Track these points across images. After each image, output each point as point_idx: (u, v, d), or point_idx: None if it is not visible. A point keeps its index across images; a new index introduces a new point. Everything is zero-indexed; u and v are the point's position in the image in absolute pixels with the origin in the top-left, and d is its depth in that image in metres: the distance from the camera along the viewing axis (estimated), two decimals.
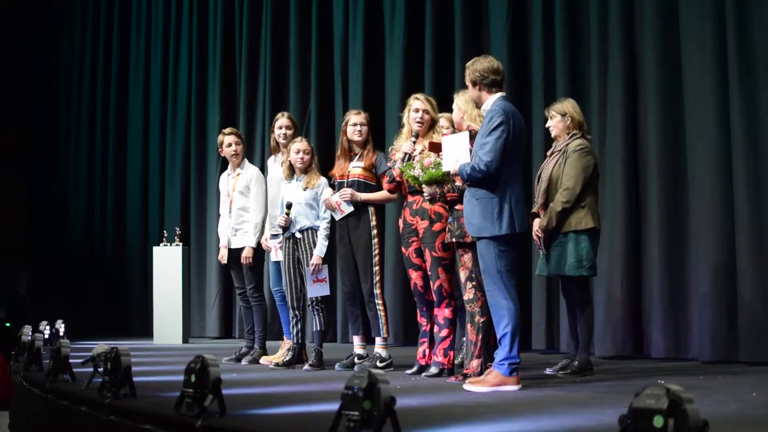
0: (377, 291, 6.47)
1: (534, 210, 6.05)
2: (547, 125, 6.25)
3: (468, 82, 5.22)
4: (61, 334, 8.32)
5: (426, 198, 5.66)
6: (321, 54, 10.40)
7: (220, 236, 7.56)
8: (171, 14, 12.60)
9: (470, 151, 5.08)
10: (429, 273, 5.94)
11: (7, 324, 12.43)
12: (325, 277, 6.58)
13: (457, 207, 5.49)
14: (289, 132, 7.16)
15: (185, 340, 10.11)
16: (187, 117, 12.14)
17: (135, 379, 4.49)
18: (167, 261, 10.19)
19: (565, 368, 5.91)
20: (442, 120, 6.08)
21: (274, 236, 7.08)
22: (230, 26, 11.71)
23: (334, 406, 3.09)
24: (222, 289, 11.18)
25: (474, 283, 5.41)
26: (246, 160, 7.53)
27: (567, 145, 5.99)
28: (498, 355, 4.98)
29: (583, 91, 7.82)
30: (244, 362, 7.17)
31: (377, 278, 6.48)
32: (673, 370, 6.33)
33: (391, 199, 6.56)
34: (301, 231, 6.68)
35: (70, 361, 5.43)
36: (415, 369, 6.00)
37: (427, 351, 5.99)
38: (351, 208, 6.48)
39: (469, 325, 5.48)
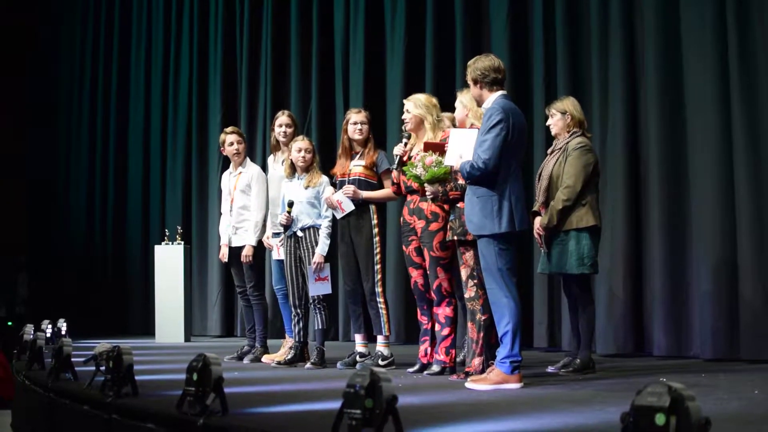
0: (379, 289, 6.47)
1: (535, 208, 6.05)
2: (547, 123, 6.25)
3: (469, 81, 5.22)
4: (63, 333, 8.34)
5: (428, 197, 5.64)
6: (322, 53, 10.41)
7: (221, 235, 7.57)
8: (172, 13, 12.61)
9: None
10: (428, 272, 5.94)
11: (9, 323, 12.46)
12: (327, 276, 6.58)
13: (458, 205, 5.49)
14: (290, 130, 7.16)
15: (187, 339, 10.12)
16: (188, 115, 12.15)
17: (137, 377, 4.50)
18: (169, 259, 10.20)
19: (566, 366, 5.91)
20: (446, 120, 6.07)
21: (276, 234, 7.09)
22: (231, 25, 11.71)
23: (335, 405, 3.09)
24: (224, 288, 11.19)
25: (475, 281, 5.41)
26: (248, 159, 7.54)
27: (567, 143, 5.99)
28: (499, 353, 4.98)
29: (584, 90, 7.82)
30: (245, 361, 7.18)
31: (379, 276, 6.48)
32: (674, 367, 6.32)
33: (392, 197, 6.56)
34: (302, 229, 6.68)
35: (72, 360, 5.44)
36: (416, 367, 6.00)
37: (429, 349, 5.99)
38: (352, 207, 6.47)
39: (470, 323, 5.48)
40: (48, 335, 7.82)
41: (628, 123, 7.48)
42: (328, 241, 6.64)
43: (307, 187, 6.70)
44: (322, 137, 9.99)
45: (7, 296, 14.09)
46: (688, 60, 7.08)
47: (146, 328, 11.29)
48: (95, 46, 14.06)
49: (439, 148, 5.64)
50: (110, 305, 12.99)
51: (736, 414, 3.89)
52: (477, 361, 5.39)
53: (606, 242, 7.13)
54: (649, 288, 7.31)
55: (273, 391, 5.01)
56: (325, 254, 6.59)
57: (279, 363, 6.72)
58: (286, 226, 6.72)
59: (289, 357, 6.71)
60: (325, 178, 6.78)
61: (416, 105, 6.07)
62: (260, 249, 7.34)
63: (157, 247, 10.43)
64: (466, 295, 5.49)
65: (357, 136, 6.56)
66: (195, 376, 3.69)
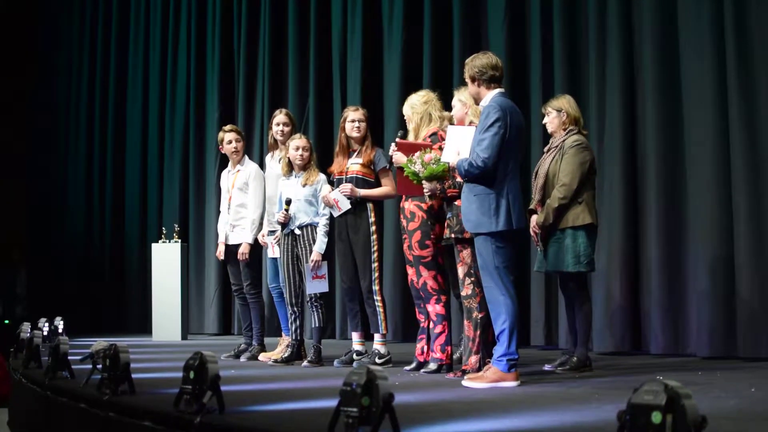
0: (376, 287, 6.47)
1: (531, 206, 6.05)
2: (543, 122, 6.26)
3: (467, 78, 5.22)
4: (60, 331, 8.33)
5: (425, 194, 5.64)
6: (319, 51, 10.40)
7: (219, 233, 7.57)
8: (170, 11, 12.59)
9: None
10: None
11: (6, 321, 12.45)
12: (324, 274, 6.58)
13: (456, 203, 5.50)
14: (287, 129, 7.16)
15: (184, 337, 10.11)
16: (186, 114, 12.14)
17: (134, 375, 4.50)
18: (166, 258, 10.18)
19: (563, 364, 5.91)
20: (446, 120, 6.06)
21: (271, 233, 7.09)
22: (229, 23, 11.70)
23: (332, 403, 3.09)
24: (221, 286, 11.18)
25: (472, 279, 5.42)
26: (246, 157, 7.54)
27: (564, 141, 5.99)
28: (496, 352, 4.98)
29: (582, 88, 7.82)
30: (242, 359, 7.19)
31: (376, 275, 6.49)
32: (671, 365, 6.33)
33: (390, 195, 6.57)
34: (300, 227, 6.68)
35: (69, 358, 5.43)
36: (413, 365, 6.00)
37: (426, 347, 5.99)
38: (349, 205, 6.47)
39: (467, 321, 5.48)
40: (45, 333, 7.82)
41: (625, 121, 7.48)
42: (326, 239, 6.64)
43: (304, 185, 6.70)
44: (319, 135, 9.99)
45: (5, 295, 14.07)
46: (686, 58, 7.09)
47: (143, 326, 11.28)
48: (93, 45, 14.04)
49: (413, 149, 5.66)
50: (107, 303, 12.98)
51: (733, 412, 3.89)
52: (474, 359, 5.40)
53: (603, 240, 7.13)
54: (646, 286, 7.31)
55: (270, 389, 5.01)
56: (322, 252, 6.59)
57: (276, 361, 6.72)
58: (284, 224, 6.72)
59: (286, 355, 6.71)
60: (322, 176, 6.78)
61: (407, 105, 6.12)
62: (257, 247, 7.34)
63: (154, 246, 10.42)
64: (463, 293, 5.49)
65: (355, 134, 6.56)
66: (192, 375, 3.69)
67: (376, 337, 6.48)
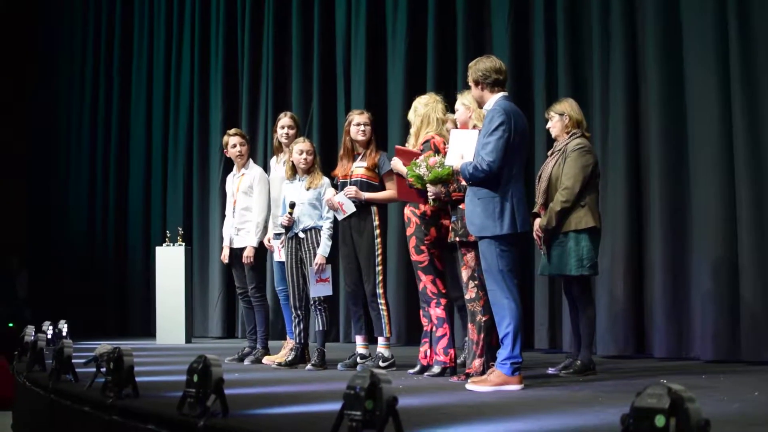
0: (380, 291, 6.47)
1: (535, 210, 6.04)
2: (547, 126, 6.26)
3: (470, 82, 5.22)
4: (64, 334, 8.34)
5: (430, 197, 5.64)
6: (323, 54, 10.41)
7: (224, 236, 7.57)
8: (173, 14, 12.62)
9: None
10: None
11: (10, 324, 12.46)
12: (328, 277, 6.58)
13: (461, 206, 5.49)
14: (292, 132, 7.17)
15: (188, 340, 10.12)
16: (190, 117, 12.15)
17: (138, 379, 4.50)
18: (170, 261, 10.20)
19: (567, 368, 5.90)
20: (448, 123, 6.07)
21: (277, 236, 7.09)
22: (233, 26, 11.72)
23: (336, 406, 3.09)
24: (225, 289, 11.19)
25: (476, 282, 5.42)
26: (251, 161, 7.53)
27: (566, 144, 5.99)
28: (500, 355, 4.98)
29: (585, 91, 7.82)
30: (246, 362, 7.18)
31: (380, 278, 6.49)
32: (675, 369, 6.32)
33: (394, 198, 6.57)
34: (304, 231, 6.69)
35: (73, 361, 5.44)
36: (417, 369, 6.00)
37: (429, 351, 5.99)
38: (353, 208, 6.48)
39: (470, 325, 5.48)
40: (49, 336, 7.82)
41: (629, 124, 7.48)
42: (330, 243, 6.65)
43: (308, 189, 6.70)
44: (323, 139, 9.99)
45: (6, 298, 14.09)
46: (689, 61, 7.09)
47: (147, 329, 11.30)
48: (96, 46, 14.07)
49: (409, 156, 5.68)
50: (111, 306, 13.00)
51: (737, 416, 3.89)
52: (477, 363, 5.39)
53: (606, 243, 7.13)
54: (650, 289, 7.31)
55: (273, 392, 5.00)
56: (326, 255, 6.60)
57: (279, 364, 6.72)
58: (288, 228, 6.72)
59: (290, 358, 6.71)
60: (326, 180, 6.79)
61: (411, 110, 6.13)
62: (262, 250, 7.34)
63: (158, 249, 10.44)
64: (467, 296, 5.49)
65: (360, 138, 6.56)
66: (195, 378, 3.69)
67: (380, 340, 6.48)
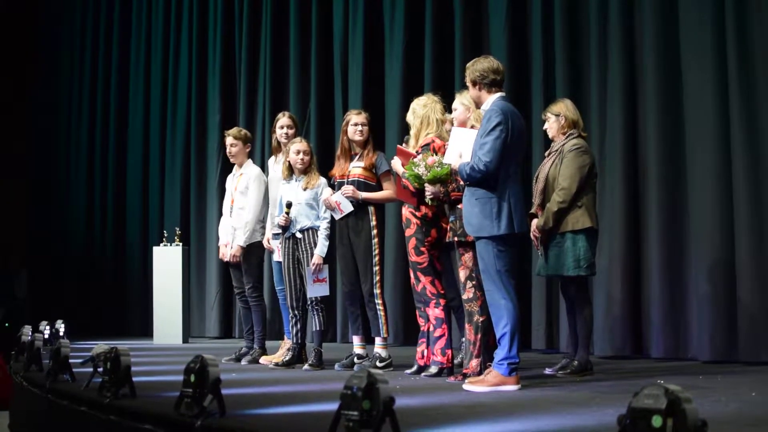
0: (377, 291, 6.47)
1: (532, 210, 6.05)
2: (544, 127, 6.27)
3: (468, 82, 5.22)
4: (61, 334, 8.33)
5: (427, 197, 5.63)
6: (321, 54, 10.41)
7: (220, 235, 7.57)
8: (171, 14, 12.61)
9: None
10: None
11: (6, 324, 12.44)
12: (326, 277, 6.58)
13: (459, 206, 5.49)
14: (291, 132, 7.17)
15: (185, 340, 10.11)
16: (187, 117, 12.15)
17: (135, 379, 4.50)
18: (167, 261, 10.19)
19: (564, 368, 5.91)
20: (447, 123, 6.07)
21: (276, 236, 7.08)
22: (230, 26, 11.71)
23: (333, 406, 3.09)
24: (222, 289, 11.18)
25: (474, 282, 5.42)
26: (250, 161, 7.53)
27: (563, 145, 6.00)
28: (497, 355, 4.98)
29: (583, 92, 7.82)
30: (243, 362, 7.18)
31: (377, 278, 6.49)
32: (672, 369, 6.33)
33: (391, 198, 6.57)
34: (301, 231, 6.68)
35: (70, 361, 5.43)
36: (414, 369, 6.00)
37: (426, 351, 5.99)
38: (351, 208, 6.47)
39: (468, 325, 5.48)
40: (46, 336, 7.82)
41: (626, 124, 7.48)
42: (327, 243, 6.65)
43: (305, 189, 6.70)
44: (320, 139, 10.00)
45: (5, 298, 14.07)
46: (687, 61, 7.09)
47: (144, 329, 11.28)
48: (95, 46, 14.06)
49: (409, 156, 5.68)
50: (109, 306, 12.99)
51: (734, 416, 3.89)
52: (474, 363, 5.39)
53: (604, 244, 7.14)
54: (647, 290, 7.31)
55: (270, 392, 5.00)
56: (323, 255, 6.59)
57: (277, 364, 6.72)
58: (285, 228, 6.72)
59: (287, 358, 6.71)
60: (323, 180, 6.79)
61: (410, 111, 6.12)
62: (259, 250, 7.34)
63: (155, 249, 10.43)
64: (464, 297, 5.49)
65: (357, 138, 6.56)
66: (192, 378, 3.69)
67: (377, 340, 6.48)
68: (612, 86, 7.59)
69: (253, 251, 7.29)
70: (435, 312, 5.90)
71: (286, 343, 7.04)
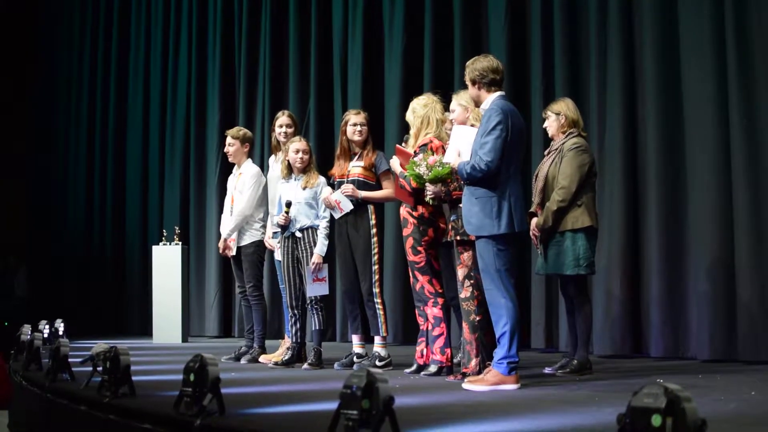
0: (376, 290, 6.47)
1: (531, 209, 6.04)
2: (544, 126, 6.27)
3: (467, 81, 5.22)
4: (61, 333, 8.33)
5: (428, 197, 5.62)
6: (320, 54, 10.41)
7: (222, 233, 7.56)
8: (170, 14, 12.62)
9: None
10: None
11: (5, 323, 12.44)
12: (325, 277, 6.58)
13: (461, 205, 5.48)
14: (290, 130, 7.17)
15: (184, 339, 10.11)
16: (187, 117, 12.15)
17: (134, 378, 4.50)
18: (167, 260, 10.19)
19: (564, 367, 5.91)
20: (447, 122, 6.06)
21: (276, 234, 7.08)
22: (229, 26, 11.72)
23: (332, 405, 3.09)
24: (221, 289, 11.19)
25: (472, 281, 5.41)
26: (249, 160, 7.53)
27: (563, 143, 5.99)
28: (497, 354, 4.98)
29: (583, 91, 7.83)
30: (243, 361, 7.18)
31: (376, 277, 6.49)
32: (671, 368, 6.33)
33: (391, 198, 6.56)
34: (300, 230, 6.68)
35: (70, 360, 5.43)
36: (413, 368, 6.00)
37: (425, 350, 5.99)
38: (351, 206, 6.47)
39: (465, 324, 5.48)
40: (45, 335, 7.82)
41: (626, 124, 7.48)
42: (326, 242, 6.64)
43: (304, 188, 6.70)
44: (320, 138, 10.00)
45: (4, 297, 14.08)
46: (686, 60, 7.09)
47: (144, 328, 11.29)
48: (94, 46, 14.07)
49: (408, 156, 5.68)
50: (108, 306, 12.99)
51: (733, 415, 3.89)
52: (474, 362, 5.39)
53: (603, 243, 7.14)
54: (647, 289, 7.31)
55: (270, 391, 5.00)
56: (323, 255, 6.59)
57: (276, 364, 6.72)
58: (284, 227, 6.72)
59: (287, 358, 6.71)
60: (322, 179, 6.78)
61: (410, 110, 6.12)
62: (260, 249, 7.34)
63: (155, 248, 10.43)
64: (462, 295, 5.49)
65: (356, 137, 6.56)
66: (192, 377, 3.69)
67: (377, 339, 6.48)
68: (611, 86, 7.59)
69: (254, 250, 7.29)
70: (433, 311, 5.90)
71: (286, 342, 7.04)
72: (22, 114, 14.99)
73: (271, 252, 7.37)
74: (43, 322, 8.21)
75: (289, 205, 6.65)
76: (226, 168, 7.68)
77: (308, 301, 6.64)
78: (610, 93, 7.61)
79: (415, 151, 5.86)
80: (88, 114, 14.01)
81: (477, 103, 5.29)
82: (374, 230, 6.51)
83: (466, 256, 5.47)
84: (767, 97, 6.63)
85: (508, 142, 4.99)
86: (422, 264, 5.94)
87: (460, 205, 5.46)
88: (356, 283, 6.56)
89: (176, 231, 10.39)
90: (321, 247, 6.61)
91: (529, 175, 6.60)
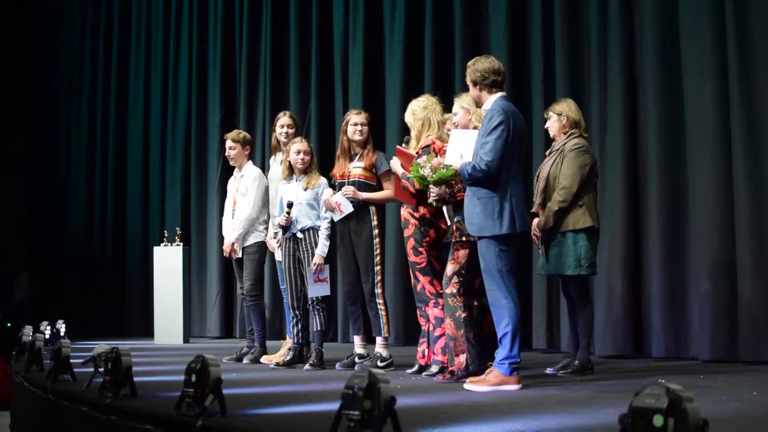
0: (378, 290, 6.47)
1: (533, 210, 6.04)
2: (545, 126, 6.27)
3: (468, 82, 5.22)
4: (62, 334, 8.34)
5: (432, 198, 5.62)
6: (321, 54, 10.41)
7: (224, 235, 7.56)
8: (171, 14, 12.61)
9: None
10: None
11: (8, 324, 12.44)
12: (326, 277, 6.58)
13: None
14: (291, 131, 7.17)
15: (186, 340, 10.11)
16: (188, 117, 12.15)
17: (135, 379, 4.50)
18: (168, 261, 10.20)
19: (565, 368, 5.90)
20: (448, 123, 6.06)
21: (278, 235, 7.07)
22: (230, 26, 11.71)
23: (334, 406, 3.09)
24: (222, 289, 11.19)
25: (460, 279, 5.41)
26: (249, 162, 7.53)
27: (564, 144, 6.00)
28: (498, 355, 4.98)
29: (583, 91, 7.82)
30: (245, 361, 7.17)
31: (378, 278, 6.49)
32: (673, 369, 6.33)
33: (392, 198, 6.56)
34: (302, 231, 6.68)
35: (71, 361, 5.44)
36: (415, 368, 6.00)
37: (427, 351, 5.99)
38: (351, 209, 6.47)
39: (449, 319, 5.47)
40: (47, 336, 7.82)
41: (627, 124, 7.48)
42: (328, 243, 6.64)
43: (305, 189, 6.70)
44: (321, 138, 10.00)
45: (5, 298, 14.07)
46: (687, 61, 7.09)
47: (145, 329, 11.28)
48: (95, 46, 14.06)
49: (408, 157, 5.67)
50: (109, 306, 12.99)
51: (735, 415, 3.89)
52: (461, 359, 5.39)
53: (604, 243, 7.13)
54: (648, 289, 7.31)
55: (271, 392, 5.01)
56: (324, 255, 6.59)
57: (278, 364, 6.72)
58: (285, 228, 6.72)
59: (288, 358, 6.71)
60: (323, 180, 6.78)
61: (409, 112, 6.11)
62: (262, 250, 7.34)
63: (156, 249, 10.44)
64: (448, 291, 5.47)
65: (357, 138, 6.56)
66: (193, 378, 3.69)
67: (378, 340, 6.48)
68: (612, 86, 7.59)
69: (257, 250, 7.29)
70: (434, 311, 5.90)
71: (288, 343, 7.03)
72: (22, 114, 14.98)
73: (273, 253, 7.37)
74: (45, 323, 8.22)
75: (290, 205, 6.65)
76: (227, 169, 7.68)
77: (309, 302, 6.64)
78: (610, 93, 7.60)
79: (417, 153, 5.86)
80: (88, 114, 14.00)
81: (478, 104, 5.29)
82: (376, 231, 6.51)
83: (461, 253, 5.47)
84: None
85: (509, 142, 4.99)
86: (423, 265, 5.94)
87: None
88: (358, 283, 6.56)
89: (177, 232, 10.39)
90: (322, 247, 6.61)
91: (531, 175, 6.60)
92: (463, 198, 5.46)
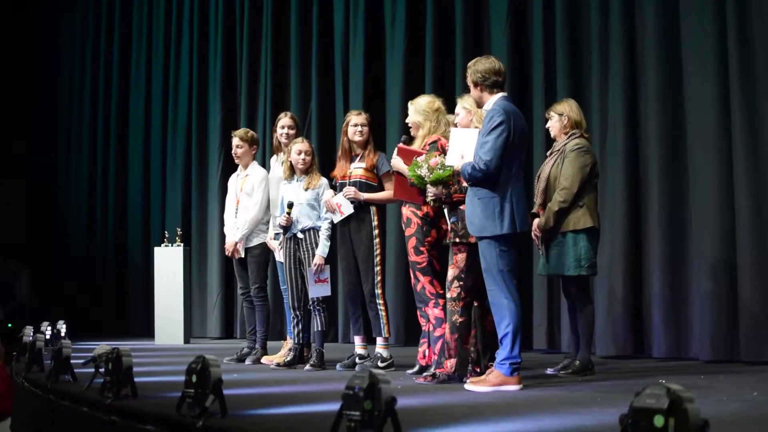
0: (378, 291, 6.47)
1: (534, 210, 6.05)
2: (546, 126, 6.27)
3: (469, 83, 5.22)
4: (63, 334, 8.34)
5: (429, 198, 5.62)
6: (322, 54, 10.41)
7: (226, 235, 7.55)
8: (172, 15, 12.61)
9: None
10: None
11: (9, 325, 12.45)
12: (327, 278, 6.58)
13: (461, 207, 5.48)
14: (292, 132, 7.16)
15: (186, 341, 10.11)
16: (188, 117, 12.15)
17: (136, 379, 4.50)
18: (168, 261, 10.19)
19: (566, 368, 5.90)
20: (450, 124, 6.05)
21: (278, 236, 7.07)
22: (231, 26, 11.71)
23: (335, 407, 3.09)
24: (223, 290, 11.18)
25: (461, 283, 5.40)
26: (255, 162, 7.52)
27: (565, 144, 6.00)
28: (499, 355, 4.99)
29: (584, 91, 7.82)
30: (248, 362, 7.17)
31: (378, 278, 6.49)
32: (674, 369, 6.33)
33: (392, 199, 6.56)
34: (302, 231, 6.68)
35: (72, 361, 5.44)
36: (416, 369, 6.00)
37: (428, 351, 5.99)
38: (351, 210, 6.47)
39: (446, 323, 5.48)
40: (47, 337, 7.81)
41: (627, 124, 7.48)
42: (328, 243, 6.64)
43: (306, 189, 6.70)
44: (321, 139, 9.99)
45: (6, 299, 14.07)
46: (688, 60, 7.09)
47: (146, 329, 11.28)
48: (96, 47, 14.07)
49: (411, 155, 5.66)
50: (110, 307, 12.99)
51: (735, 416, 3.89)
52: (450, 363, 5.39)
53: (605, 243, 7.13)
54: (649, 289, 7.31)
55: (272, 392, 5.01)
56: (325, 256, 6.59)
57: (278, 365, 6.72)
58: (286, 228, 6.72)
59: (289, 359, 6.71)
60: (324, 180, 6.78)
61: (416, 111, 6.08)
62: (266, 251, 7.34)
63: (156, 249, 10.44)
64: (448, 295, 5.47)
65: (357, 138, 6.56)
66: (194, 378, 3.69)
67: (379, 340, 6.48)
68: (613, 86, 7.59)
69: (261, 251, 7.29)
70: (435, 312, 5.89)
71: (289, 343, 7.03)
72: (22, 114, 14.99)
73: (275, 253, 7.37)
74: (45, 323, 8.21)
75: (291, 206, 6.65)
76: (228, 169, 7.68)
77: (310, 303, 6.64)
78: (611, 93, 7.60)
79: (424, 148, 5.84)
80: (89, 114, 14.01)
81: (479, 105, 5.29)
82: (376, 231, 6.51)
83: (459, 257, 5.46)
84: None
85: (509, 142, 4.99)
86: (424, 264, 5.93)
87: (461, 207, 5.46)
88: (358, 284, 6.56)
89: (178, 232, 10.39)
90: (323, 248, 6.61)
91: (531, 175, 6.60)
92: (459, 199, 5.47)
